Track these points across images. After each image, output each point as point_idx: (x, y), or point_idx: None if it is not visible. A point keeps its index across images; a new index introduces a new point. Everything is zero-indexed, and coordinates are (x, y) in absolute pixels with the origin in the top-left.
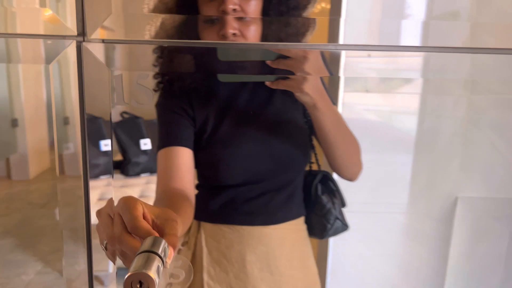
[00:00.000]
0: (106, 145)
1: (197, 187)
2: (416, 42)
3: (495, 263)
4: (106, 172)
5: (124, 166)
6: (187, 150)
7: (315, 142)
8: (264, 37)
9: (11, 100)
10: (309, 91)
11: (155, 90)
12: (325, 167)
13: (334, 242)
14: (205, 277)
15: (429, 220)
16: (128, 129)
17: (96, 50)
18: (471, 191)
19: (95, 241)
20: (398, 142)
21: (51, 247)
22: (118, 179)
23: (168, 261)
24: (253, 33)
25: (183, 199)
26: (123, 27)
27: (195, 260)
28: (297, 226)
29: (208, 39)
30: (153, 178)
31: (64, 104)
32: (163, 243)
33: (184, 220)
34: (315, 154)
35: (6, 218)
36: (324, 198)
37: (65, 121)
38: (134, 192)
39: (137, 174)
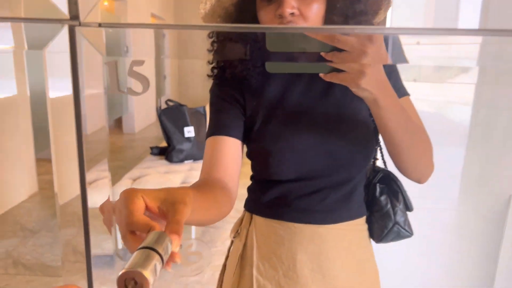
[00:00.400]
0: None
1: (251, 178)
2: (474, 25)
3: None
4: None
5: (168, 153)
6: (234, 141)
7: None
8: (329, 16)
9: None
10: (368, 86)
11: (208, 76)
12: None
13: None
14: (255, 272)
15: (479, 218)
16: (172, 116)
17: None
18: None
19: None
20: (450, 134)
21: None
22: (163, 165)
23: (175, 249)
24: (314, 12)
25: (218, 188)
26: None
27: (245, 253)
28: (356, 226)
29: (265, 19)
30: (196, 165)
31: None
32: (167, 240)
33: (215, 209)
34: (381, 149)
35: None
36: (383, 200)
37: None
38: (177, 178)
39: (181, 160)
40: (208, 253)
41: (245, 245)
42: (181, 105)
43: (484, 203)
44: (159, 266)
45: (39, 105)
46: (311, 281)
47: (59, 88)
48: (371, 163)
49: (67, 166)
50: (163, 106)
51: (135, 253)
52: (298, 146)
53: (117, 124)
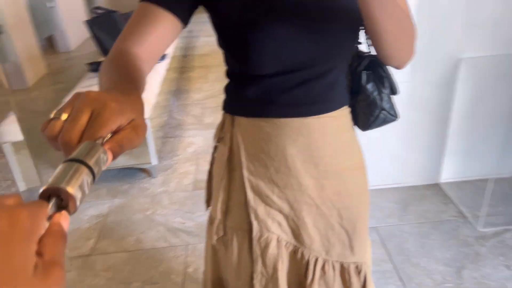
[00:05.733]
0: None
1: (228, 75)
2: None
3: (497, 121)
4: None
5: None
6: (170, 18)
7: None
8: None
9: None
10: None
11: None
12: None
13: None
14: (245, 173)
15: (430, 86)
16: (104, 25)
17: None
18: (475, 51)
19: None
20: None
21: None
22: None
23: (104, 167)
24: None
25: (138, 69)
26: None
27: (232, 156)
28: (340, 113)
29: None
30: None
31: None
32: (100, 152)
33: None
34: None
35: None
36: (369, 88)
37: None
38: None
39: None
40: (170, 162)
41: (231, 148)
42: (111, 12)
43: (434, 71)
44: (88, 181)
45: None
46: (304, 172)
47: None
48: (355, 48)
49: None
50: (92, 15)
51: (60, 166)
52: (280, 35)
53: (50, 44)
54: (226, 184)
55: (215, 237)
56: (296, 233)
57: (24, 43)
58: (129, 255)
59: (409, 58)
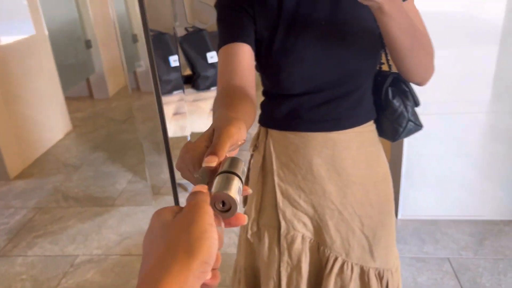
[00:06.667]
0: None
1: (263, 94)
2: None
3: None
4: (178, 87)
5: (194, 81)
6: (247, 47)
7: None
8: None
9: (81, 21)
10: None
11: None
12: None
13: (408, 143)
14: (276, 179)
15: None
16: (193, 43)
17: None
18: None
19: (175, 152)
20: (481, 33)
21: (137, 159)
22: (191, 93)
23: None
24: None
25: (243, 96)
26: None
27: (265, 164)
28: (364, 128)
29: None
30: None
31: (131, 21)
32: (241, 163)
33: (245, 116)
34: (386, 54)
35: (93, 135)
36: (396, 102)
37: (134, 38)
38: (206, 105)
39: (207, 87)
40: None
41: (264, 157)
42: (200, 30)
43: None
44: (241, 187)
45: (59, 44)
46: (328, 179)
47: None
48: (378, 68)
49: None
50: (180, 33)
51: (217, 178)
52: (308, 59)
53: None
54: (260, 188)
55: (249, 232)
56: (319, 233)
57: (109, 56)
58: None
59: (428, 74)
